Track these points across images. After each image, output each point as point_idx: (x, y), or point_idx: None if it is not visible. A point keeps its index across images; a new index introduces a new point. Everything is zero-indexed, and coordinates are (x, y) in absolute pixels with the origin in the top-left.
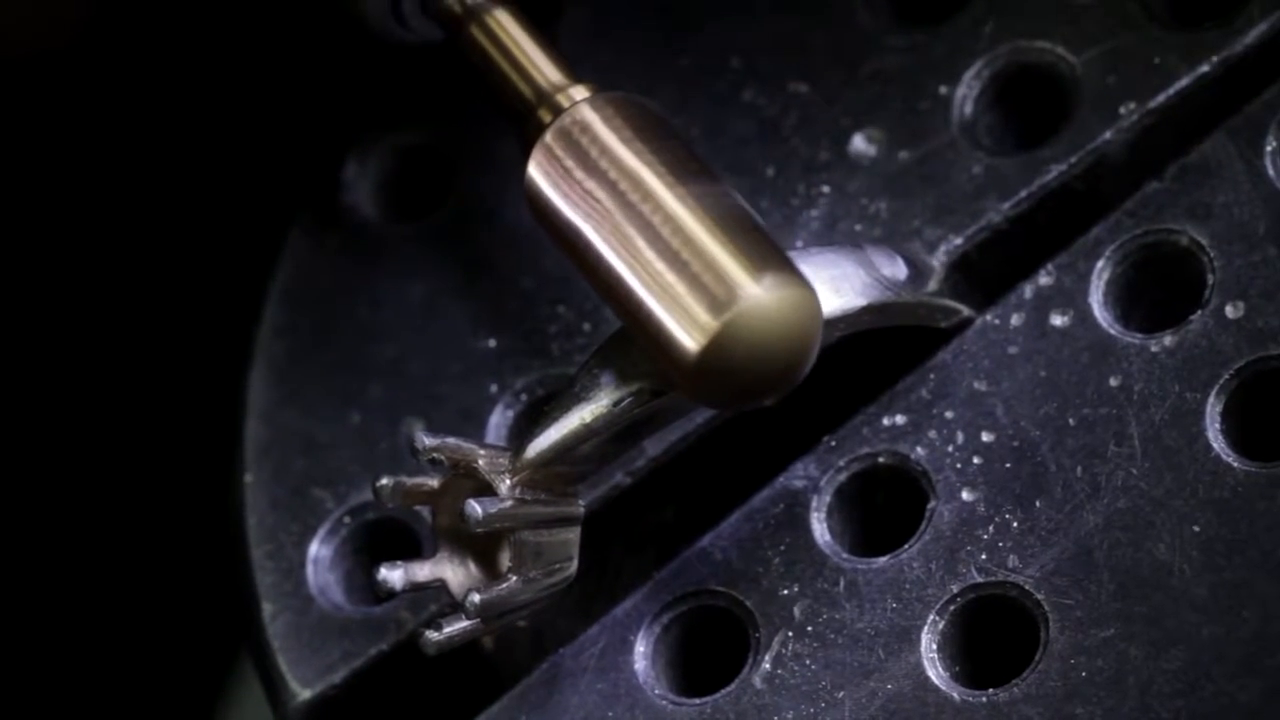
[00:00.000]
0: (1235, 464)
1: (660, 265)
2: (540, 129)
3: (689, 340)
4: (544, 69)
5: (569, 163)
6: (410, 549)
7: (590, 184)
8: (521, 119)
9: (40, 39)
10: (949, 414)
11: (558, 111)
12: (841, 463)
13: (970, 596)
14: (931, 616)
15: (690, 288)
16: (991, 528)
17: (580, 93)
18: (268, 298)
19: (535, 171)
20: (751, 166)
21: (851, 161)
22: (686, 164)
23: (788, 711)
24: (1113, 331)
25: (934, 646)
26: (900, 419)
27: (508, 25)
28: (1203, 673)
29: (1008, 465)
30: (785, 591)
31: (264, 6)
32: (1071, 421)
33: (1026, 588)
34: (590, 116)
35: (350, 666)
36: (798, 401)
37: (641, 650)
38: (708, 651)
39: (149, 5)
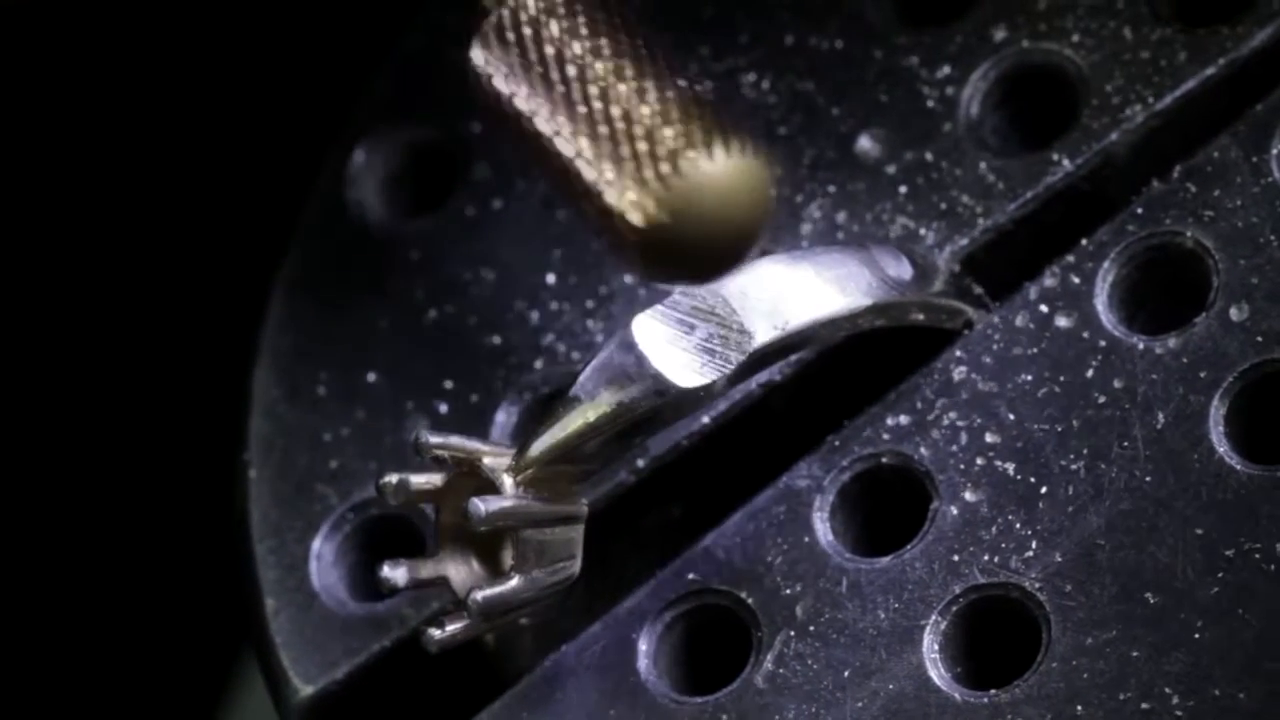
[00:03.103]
0: (1239, 467)
1: (606, 144)
2: (484, 14)
3: (635, 214)
4: None
5: (513, 48)
6: (413, 546)
7: (535, 68)
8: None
9: None
10: (953, 414)
11: None
12: (845, 462)
13: (972, 597)
14: (934, 617)
15: (636, 164)
16: (994, 528)
17: None
18: (273, 293)
19: (479, 58)
20: None
21: (857, 161)
22: (633, 43)
23: (789, 711)
24: (1117, 333)
25: (936, 647)
26: (904, 419)
27: None
28: (1205, 675)
29: (1011, 466)
30: (788, 591)
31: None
32: (1075, 423)
33: (1029, 589)
34: (533, 2)
35: (352, 663)
36: (802, 401)
37: (644, 649)
38: (710, 650)
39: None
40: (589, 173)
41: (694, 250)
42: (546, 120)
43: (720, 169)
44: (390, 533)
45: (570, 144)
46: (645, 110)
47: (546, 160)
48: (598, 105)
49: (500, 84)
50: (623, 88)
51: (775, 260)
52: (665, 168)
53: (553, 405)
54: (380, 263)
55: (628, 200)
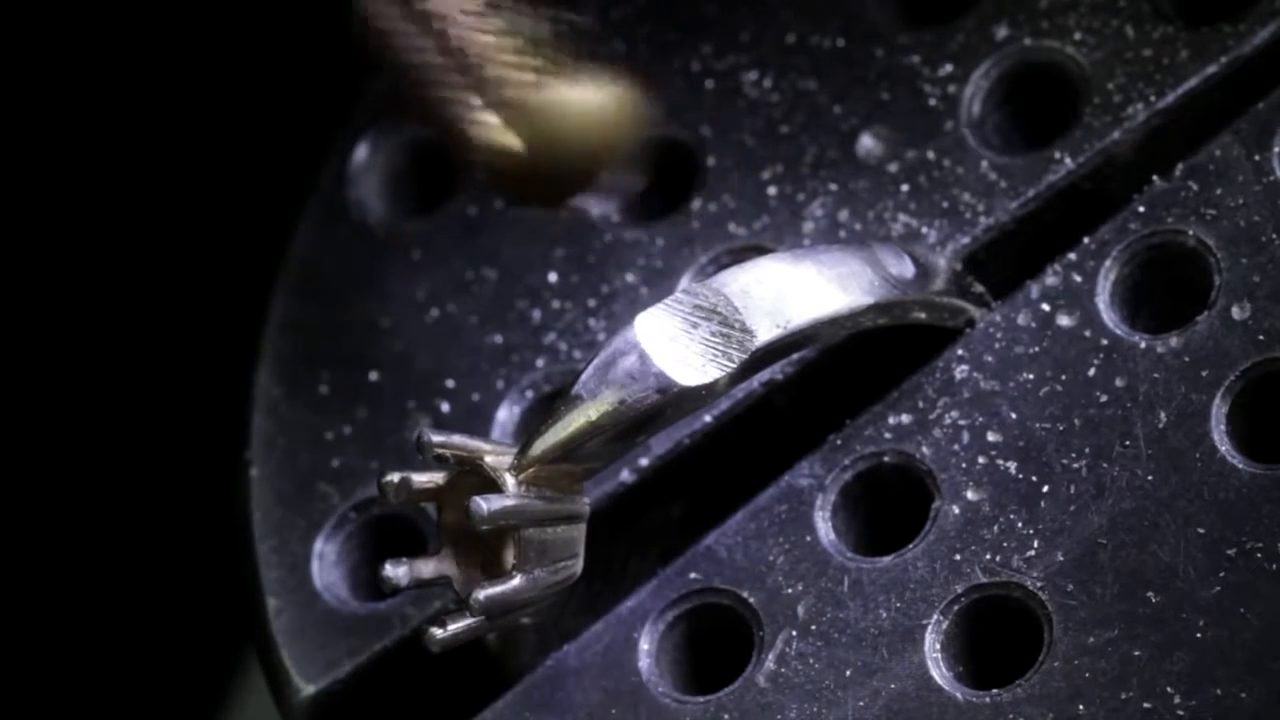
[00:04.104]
0: (1240, 466)
1: (471, 77)
2: None
3: (495, 139)
4: None
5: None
6: (415, 545)
7: (415, 15)
8: None
9: None
10: (954, 413)
11: None
12: (847, 461)
13: (974, 596)
14: (935, 616)
15: (498, 94)
16: (996, 528)
17: None
18: (275, 292)
19: (366, 6)
20: (759, 164)
21: (859, 160)
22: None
23: (791, 710)
24: (1119, 332)
25: (937, 646)
26: (906, 418)
27: None
28: (1207, 674)
29: (1013, 465)
30: (790, 590)
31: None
32: (1077, 422)
33: (1030, 588)
34: None
35: (354, 662)
36: (804, 400)
37: (645, 648)
38: (712, 650)
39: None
40: (459, 106)
41: (554, 171)
42: (421, 60)
43: (577, 95)
44: (392, 532)
45: (441, 80)
46: (508, 46)
47: (424, 100)
48: (466, 42)
49: (384, 30)
50: (490, 26)
51: (777, 259)
52: (523, 94)
53: (555, 404)
54: (382, 261)
55: (488, 127)
